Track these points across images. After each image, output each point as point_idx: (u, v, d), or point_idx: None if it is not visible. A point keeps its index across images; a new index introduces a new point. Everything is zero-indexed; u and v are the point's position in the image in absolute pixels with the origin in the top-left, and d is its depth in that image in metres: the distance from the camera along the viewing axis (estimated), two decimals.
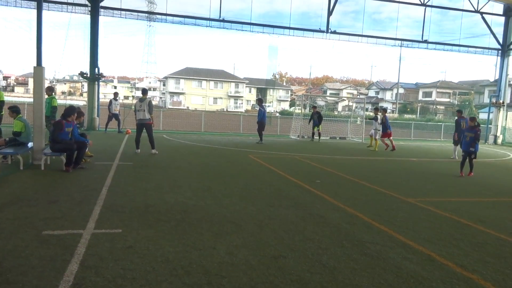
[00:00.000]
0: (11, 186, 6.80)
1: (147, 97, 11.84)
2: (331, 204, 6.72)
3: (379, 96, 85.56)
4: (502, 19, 24.48)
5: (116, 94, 19.70)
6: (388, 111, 76.50)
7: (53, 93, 12.41)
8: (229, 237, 4.78)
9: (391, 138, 17.10)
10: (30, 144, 9.10)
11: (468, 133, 10.96)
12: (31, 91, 10.56)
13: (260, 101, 18.53)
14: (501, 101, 24.67)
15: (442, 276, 4.00)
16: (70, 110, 8.82)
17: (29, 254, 3.96)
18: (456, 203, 7.50)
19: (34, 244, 4.21)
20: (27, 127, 9.09)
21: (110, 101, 18.57)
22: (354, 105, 47.70)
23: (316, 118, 19.57)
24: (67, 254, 3.97)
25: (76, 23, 18.56)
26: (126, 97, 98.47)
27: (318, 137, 19.91)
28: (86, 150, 9.43)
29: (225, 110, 75.08)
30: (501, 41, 24.38)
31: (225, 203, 6.39)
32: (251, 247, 4.48)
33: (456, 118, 15.78)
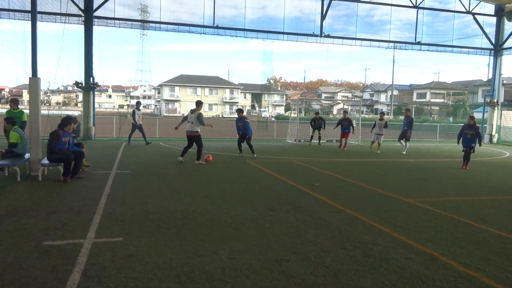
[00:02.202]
0: (9, 198, 6.74)
1: (199, 109, 11.63)
2: (331, 207, 6.72)
3: (374, 98, 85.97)
4: (494, 19, 24.68)
5: (138, 103, 18.29)
6: (385, 112, 76.97)
7: (18, 106, 11.09)
8: (231, 242, 4.77)
9: (347, 139, 18.68)
10: (27, 155, 9.05)
11: (468, 131, 12.30)
12: (25, 102, 10.43)
13: (241, 111, 14.91)
14: (495, 100, 24.85)
15: (445, 275, 4.00)
16: (67, 120, 8.76)
17: (30, 265, 3.92)
18: (455, 202, 7.52)
19: (35, 255, 4.17)
20: (23, 138, 9.04)
21: (133, 111, 17.26)
22: (349, 107, 47.82)
23: (320, 123, 19.85)
24: (69, 264, 3.94)
25: (70, 33, 18.45)
26: (121, 106, 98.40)
27: (318, 141, 20.02)
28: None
29: (220, 116, 75.13)
30: (493, 41, 24.57)
31: (225, 209, 6.37)
32: (253, 252, 4.46)
33: (406, 116, 17.08)
